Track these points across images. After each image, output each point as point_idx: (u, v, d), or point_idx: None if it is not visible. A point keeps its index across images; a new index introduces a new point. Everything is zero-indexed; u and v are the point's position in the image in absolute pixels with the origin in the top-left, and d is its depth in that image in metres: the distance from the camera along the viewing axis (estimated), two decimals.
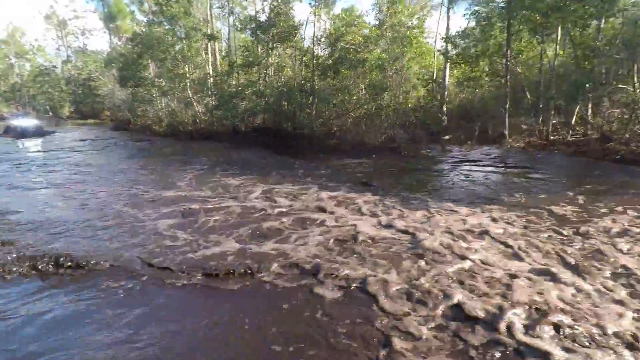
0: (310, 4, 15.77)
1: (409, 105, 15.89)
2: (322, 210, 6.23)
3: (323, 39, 14.99)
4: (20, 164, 11.13)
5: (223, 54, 22.17)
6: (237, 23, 15.81)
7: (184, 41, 19.14)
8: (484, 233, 5.12)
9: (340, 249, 4.65)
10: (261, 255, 4.42)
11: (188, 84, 20.27)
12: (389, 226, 5.43)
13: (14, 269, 4.05)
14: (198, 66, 19.88)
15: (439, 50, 19.00)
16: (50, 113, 43.29)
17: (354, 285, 3.77)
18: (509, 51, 13.45)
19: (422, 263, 4.23)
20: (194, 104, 20.11)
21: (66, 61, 44.35)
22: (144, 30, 21.62)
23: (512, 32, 13.34)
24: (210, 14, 18.79)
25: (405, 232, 5.19)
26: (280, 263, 4.22)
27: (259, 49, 15.79)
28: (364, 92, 16.29)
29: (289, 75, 17.31)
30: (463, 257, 4.32)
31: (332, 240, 4.89)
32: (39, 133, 18.33)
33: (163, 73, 20.91)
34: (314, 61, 15.28)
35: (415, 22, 16.38)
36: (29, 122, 18.00)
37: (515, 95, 14.64)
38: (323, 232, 5.19)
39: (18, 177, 9.16)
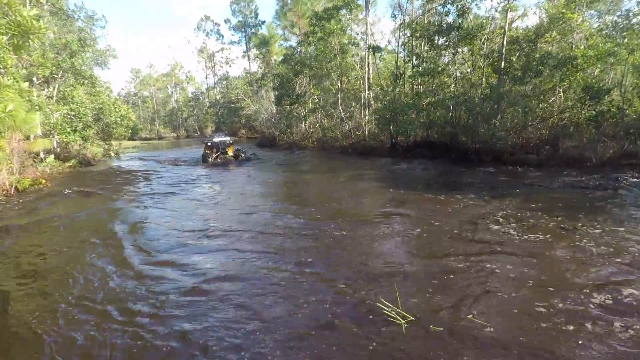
0: None
1: None
2: None
3: (521, 38, 12.66)
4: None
5: (380, 65, 21.47)
6: (414, 31, 14.55)
7: (338, 57, 18.98)
8: None
9: None
10: None
11: (340, 99, 20.02)
12: None
13: None
14: (351, 80, 19.50)
15: None
16: (198, 132, 49.82)
17: None
18: None
19: None
20: (345, 119, 19.70)
21: (211, 87, 50.58)
22: (298, 50, 22.42)
23: None
24: (367, 26, 18.21)
25: None
26: None
27: (435, 56, 14.30)
28: (560, 96, 13.48)
29: (461, 82, 15.42)
30: None
31: None
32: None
33: (315, 90, 21.16)
34: (503, 63, 13.08)
35: None
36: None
37: None
38: None
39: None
